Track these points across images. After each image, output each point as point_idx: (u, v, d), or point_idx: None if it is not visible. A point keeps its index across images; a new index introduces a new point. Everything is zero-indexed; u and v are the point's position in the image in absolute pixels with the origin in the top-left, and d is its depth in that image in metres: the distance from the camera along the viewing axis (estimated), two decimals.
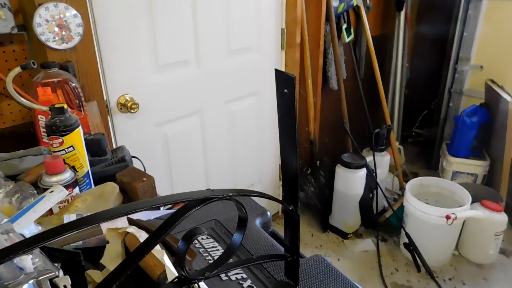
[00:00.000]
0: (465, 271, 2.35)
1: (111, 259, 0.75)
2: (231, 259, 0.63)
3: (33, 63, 1.15)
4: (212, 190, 0.52)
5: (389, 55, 2.80)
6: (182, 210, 0.50)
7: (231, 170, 2.26)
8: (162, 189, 1.68)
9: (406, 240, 2.32)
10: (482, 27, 2.72)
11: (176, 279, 0.56)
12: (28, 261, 0.54)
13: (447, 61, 2.89)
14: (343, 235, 2.56)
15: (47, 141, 1.30)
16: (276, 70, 0.57)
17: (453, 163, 2.73)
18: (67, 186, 0.98)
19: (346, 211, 2.53)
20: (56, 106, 1.05)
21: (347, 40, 2.47)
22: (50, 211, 0.99)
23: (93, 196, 1.00)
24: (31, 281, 0.47)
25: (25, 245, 0.37)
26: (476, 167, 2.69)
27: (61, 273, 0.52)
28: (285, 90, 0.54)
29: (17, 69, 1.16)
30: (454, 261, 2.41)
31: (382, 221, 2.58)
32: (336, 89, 2.46)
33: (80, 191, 1.06)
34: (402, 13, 2.76)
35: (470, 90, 2.86)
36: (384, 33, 2.83)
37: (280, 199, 0.65)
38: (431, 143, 3.15)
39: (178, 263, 0.55)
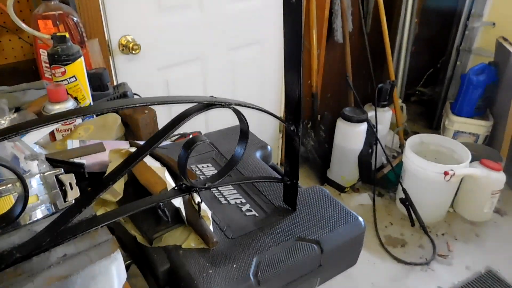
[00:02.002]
0: (458, 228, 2.40)
1: None
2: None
3: None
4: (215, 97, 0.53)
5: (397, 9, 2.72)
6: (184, 114, 0.51)
7: (231, 121, 2.26)
8: None
9: (403, 196, 2.35)
10: None
11: (177, 187, 0.57)
12: (34, 165, 0.55)
13: (458, 17, 2.80)
14: (341, 188, 2.60)
15: (49, 76, 1.30)
16: None
17: (456, 122, 2.71)
18: None
19: (344, 165, 2.55)
20: (58, 34, 1.04)
21: None
22: (53, 138, 1.01)
23: (95, 126, 1.01)
24: (38, 175, 0.48)
25: (35, 123, 0.38)
26: (478, 127, 2.67)
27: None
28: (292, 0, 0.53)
29: None
30: (449, 218, 2.46)
31: (379, 176, 2.61)
32: (341, 42, 2.41)
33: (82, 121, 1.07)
34: None
35: (480, 48, 2.78)
36: None
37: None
38: (435, 103, 3.12)
39: (179, 171, 0.56)
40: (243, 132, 0.57)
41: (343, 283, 2.01)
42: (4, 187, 0.45)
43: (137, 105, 0.45)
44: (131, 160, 0.50)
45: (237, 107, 0.53)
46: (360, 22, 2.51)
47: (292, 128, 0.65)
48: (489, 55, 2.70)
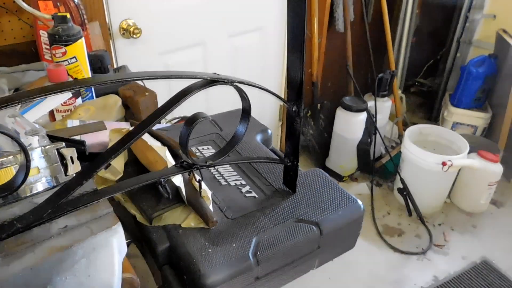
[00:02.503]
0: (455, 218, 2.41)
1: None
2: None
3: None
4: (218, 74, 0.52)
5: (399, 0, 2.72)
6: (186, 90, 0.50)
7: (232, 106, 2.25)
8: None
9: (400, 186, 2.36)
10: None
11: (179, 164, 0.57)
12: (35, 140, 0.55)
13: (458, 9, 2.79)
14: (339, 178, 2.60)
15: (49, 57, 1.29)
16: None
17: (454, 114, 2.71)
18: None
19: (343, 154, 2.55)
20: (59, 14, 1.04)
21: None
22: (53, 118, 1.00)
23: (96, 107, 1.00)
24: (39, 149, 0.48)
25: (36, 92, 0.37)
26: (477, 119, 2.68)
27: None
28: None
29: None
30: (446, 208, 2.47)
31: (378, 166, 2.62)
32: (342, 31, 2.40)
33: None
34: None
35: (480, 41, 2.78)
36: None
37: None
38: (434, 95, 3.12)
39: (181, 148, 0.56)
40: (245, 111, 0.57)
41: (340, 271, 2.03)
42: (5, 158, 0.45)
43: (139, 78, 0.45)
44: (133, 134, 0.50)
45: (239, 85, 0.53)
46: (361, 11, 2.50)
47: (294, 109, 0.65)
48: (489, 47, 2.70)
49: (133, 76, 0.44)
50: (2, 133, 0.36)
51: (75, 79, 0.38)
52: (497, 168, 2.25)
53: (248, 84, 0.55)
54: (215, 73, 0.52)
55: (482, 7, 2.70)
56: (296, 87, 0.65)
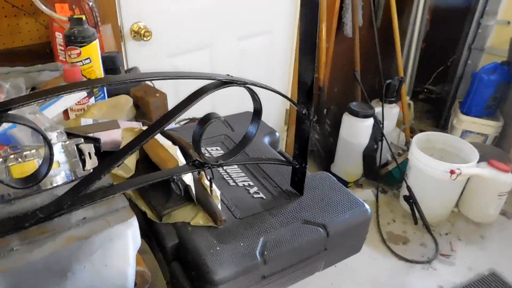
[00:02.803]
0: (463, 228, 2.38)
1: None
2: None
3: None
4: (231, 76, 0.54)
5: (409, 5, 2.71)
6: (200, 90, 0.52)
7: (237, 110, 2.27)
8: None
9: (407, 193, 2.35)
10: None
11: (190, 163, 0.59)
12: (54, 136, 0.57)
13: (471, 14, 2.75)
14: (344, 183, 2.57)
15: (63, 58, 1.32)
16: None
17: (464, 122, 2.67)
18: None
19: (348, 160, 2.56)
20: (75, 16, 1.06)
21: None
22: (67, 117, 1.03)
23: (108, 106, 1.03)
24: (59, 144, 0.50)
25: (63, 88, 0.39)
26: (488, 127, 2.63)
27: None
28: None
29: None
30: (453, 217, 2.44)
31: (384, 173, 2.61)
32: (350, 36, 2.42)
33: None
34: None
35: (492, 47, 2.73)
36: None
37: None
38: (443, 102, 3.08)
39: (194, 147, 0.58)
40: (257, 112, 0.58)
41: (342, 276, 2.02)
42: (28, 152, 0.47)
43: (160, 78, 0.47)
44: (149, 133, 0.52)
45: (251, 87, 0.55)
46: (370, 16, 2.51)
47: (304, 112, 0.67)
48: (502, 54, 2.63)
49: (150, 76, 0.47)
50: (30, 127, 0.39)
51: (104, 77, 0.39)
52: (508, 178, 2.21)
53: (260, 86, 0.57)
54: (228, 75, 0.54)
55: (496, 13, 2.65)
56: (306, 89, 0.67)
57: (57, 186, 0.50)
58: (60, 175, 0.51)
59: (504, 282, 2.04)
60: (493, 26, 2.69)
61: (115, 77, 0.43)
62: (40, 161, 0.46)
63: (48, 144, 0.41)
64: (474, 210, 2.42)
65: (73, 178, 0.52)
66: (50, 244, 0.42)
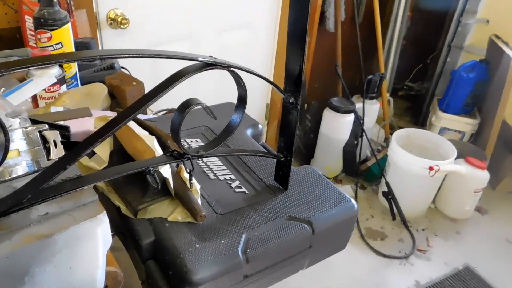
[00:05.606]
0: (439, 224, 2.41)
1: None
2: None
3: None
4: (215, 57, 0.50)
5: (391, 1, 2.71)
6: (180, 73, 0.47)
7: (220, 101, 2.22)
8: None
9: (385, 189, 2.36)
10: None
11: (169, 153, 0.54)
12: (16, 122, 0.51)
13: (451, 13, 2.78)
14: None
15: (34, 44, 1.25)
16: None
17: (442, 119, 2.70)
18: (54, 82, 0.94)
19: (329, 155, 2.54)
20: None
21: None
22: (36, 105, 0.96)
23: (81, 94, 0.96)
24: (19, 129, 0.44)
25: (16, 64, 0.34)
26: (465, 125, 2.68)
27: None
28: None
29: None
30: (430, 213, 2.47)
31: (363, 169, 2.61)
32: (332, 31, 2.39)
33: None
34: None
35: (471, 46, 2.77)
36: None
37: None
38: (422, 99, 3.12)
39: (173, 136, 0.53)
40: (241, 99, 0.54)
41: (321, 273, 2.01)
42: None
43: (131, 55, 0.41)
44: (120, 119, 0.46)
45: (237, 71, 0.50)
46: (352, 11, 2.49)
47: (291, 101, 0.63)
48: (480, 53, 2.68)
49: (125, 53, 0.41)
50: None
51: (71, 52, 0.35)
52: (484, 175, 2.26)
53: (245, 70, 0.52)
54: (211, 56, 0.49)
55: (475, 12, 2.68)
56: (294, 78, 0.63)
57: (17, 177, 0.44)
58: (20, 165, 0.45)
59: (477, 276, 2.09)
60: (472, 24, 2.72)
61: (83, 52, 0.38)
62: None
63: (2, 127, 0.36)
64: (450, 206, 2.45)
65: (36, 168, 0.46)
66: (6, 244, 0.37)
